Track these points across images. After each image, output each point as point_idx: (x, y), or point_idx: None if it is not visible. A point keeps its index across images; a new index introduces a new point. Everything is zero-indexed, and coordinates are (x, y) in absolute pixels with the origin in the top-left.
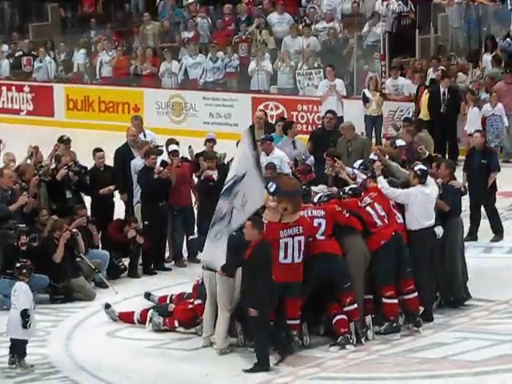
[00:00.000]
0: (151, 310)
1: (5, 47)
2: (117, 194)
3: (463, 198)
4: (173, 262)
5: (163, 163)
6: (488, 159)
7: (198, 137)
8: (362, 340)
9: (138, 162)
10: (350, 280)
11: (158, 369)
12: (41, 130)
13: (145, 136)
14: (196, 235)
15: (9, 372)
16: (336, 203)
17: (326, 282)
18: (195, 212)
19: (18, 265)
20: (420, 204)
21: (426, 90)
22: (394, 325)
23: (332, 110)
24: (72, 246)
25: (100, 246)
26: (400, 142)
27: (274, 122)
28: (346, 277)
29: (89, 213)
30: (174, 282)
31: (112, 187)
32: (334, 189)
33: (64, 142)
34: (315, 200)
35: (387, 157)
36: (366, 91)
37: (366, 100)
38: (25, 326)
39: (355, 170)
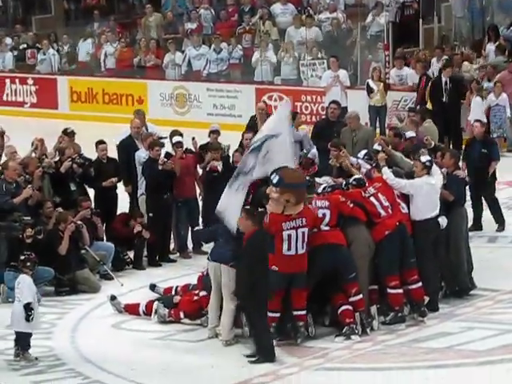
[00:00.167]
0: (156, 302)
1: (8, 40)
2: (120, 186)
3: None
4: (178, 254)
5: (167, 155)
6: (488, 149)
7: (201, 128)
8: (368, 330)
9: (142, 154)
10: (354, 270)
11: (164, 360)
12: (45, 123)
13: (147, 130)
14: (201, 226)
15: (14, 365)
16: (340, 194)
17: (330, 273)
18: (200, 203)
19: (22, 257)
20: (425, 195)
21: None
22: (399, 315)
23: (336, 101)
24: (77, 239)
25: (104, 238)
26: (410, 134)
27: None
28: (350, 267)
29: (92, 205)
30: (179, 274)
31: (115, 179)
32: (339, 179)
33: (68, 134)
34: (319, 191)
35: (390, 147)
36: (370, 81)
37: (369, 90)
38: (28, 319)
39: (359, 160)
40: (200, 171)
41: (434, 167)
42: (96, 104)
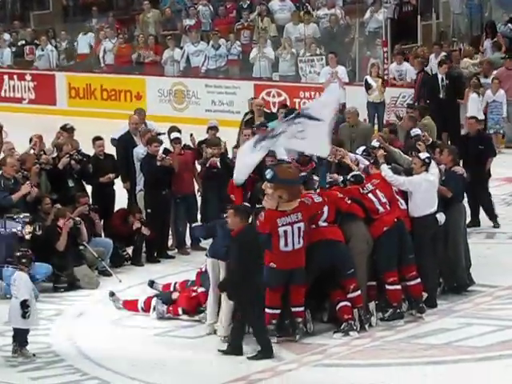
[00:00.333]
0: (155, 298)
1: (6, 36)
2: (118, 182)
3: None
4: (176, 250)
5: (166, 151)
6: (485, 145)
7: (200, 124)
8: (366, 326)
9: (140, 150)
10: (353, 266)
11: (162, 356)
12: (43, 119)
13: (146, 127)
14: (199, 223)
15: (12, 361)
16: (338, 190)
17: (328, 269)
18: (198, 200)
19: (18, 254)
20: (424, 191)
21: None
22: (398, 311)
23: None
24: (75, 235)
25: (102, 234)
26: (415, 131)
27: (276, 109)
28: (349, 263)
29: (90, 201)
30: (177, 270)
31: (112, 175)
32: (335, 176)
33: (67, 130)
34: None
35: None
36: (369, 78)
37: (368, 87)
38: (24, 316)
39: (358, 156)
40: (198, 167)
41: (432, 163)
42: (94, 100)
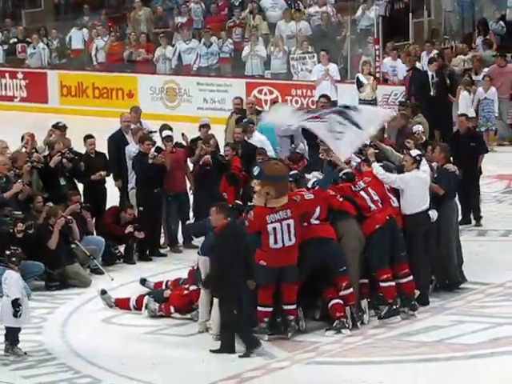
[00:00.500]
0: (147, 296)
1: None
2: (109, 180)
3: None
4: (168, 248)
5: (157, 149)
6: (476, 142)
7: (192, 122)
8: (358, 324)
9: (132, 148)
10: (345, 264)
11: (154, 354)
12: (35, 117)
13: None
14: (191, 220)
15: (4, 359)
16: (329, 188)
17: (321, 267)
18: (190, 198)
19: (7, 252)
20: (415, 188)
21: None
22: (394, 308)
23: (326, 95)
24: (67, 233)
25: (94, 232)
26: (417, 128)
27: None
28: (341, 261)
29: (82, 199)
30: (169, 268)
31: (103, 173)
32: None
33: (59, 128)
34: (309, 185)
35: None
36: (360, 75)
37: (360, 84)
38: (16, 315)
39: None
40: (191, 165)
41: (423, 160)
42: (86, 98)
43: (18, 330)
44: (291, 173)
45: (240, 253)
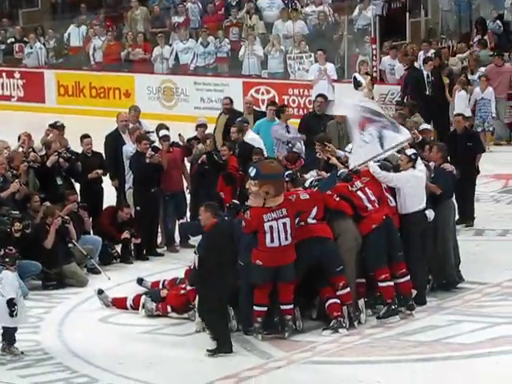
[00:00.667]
0: (144, 296)
1: None
2: (106, 180)
3: None
4: (165, 248)
5: (154, 148)
6: (473, 141)
7: (189, 122)
8: (355, 324)
9: (129, 148)
10: (342, 264)
11: (151, 354)
12: (32, 117)
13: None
14: (188, 219)
15: (1, 359)
16: None
17: (318, 266)
18: (187, 197)
19: (1, 253)
20: (412, 187)
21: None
22: (393, 308)
23: (323, 94)
24: (63, 232)
25: (91, 232)
26: (424, 126)
27: (264, 107)
28: (337, 260)
29: (79, 199)
30: (166, 268)
31: (100, 171)
32: (323, 173)
33: (57, 128)
34: (306, 185)
35: None
36: (357, 75)
37: (356, 84)
38: (11, 314)
39: (347, 154)
40: (188, 165)
41: (418, 160)
42: (83, 98)
43: (15, 329)
44: (287, 172)
45: (228, 252)
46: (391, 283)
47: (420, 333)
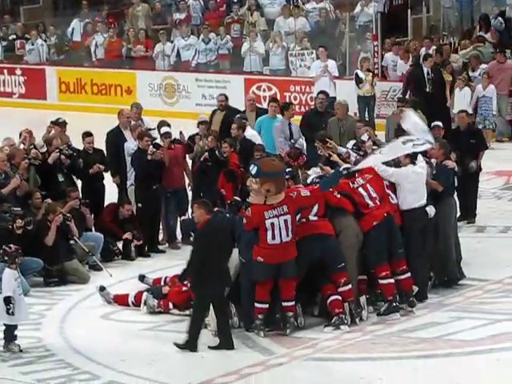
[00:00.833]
0: (146, 293)
1: None
2: (108, 177)
3: None
4: (167, 244)
5: (156, 145)
6: (476, 138)
7: (190, 119)
8: (357, 320)
9: (131, 145)
10: (343, 260)
11: (153, 351)
12: (33, 113)
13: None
14: (190, 216)
15: (3, 356)
16: None
17: (319, 263)
18: (189, 194)
19: (0, 251)
20: (412, 183)
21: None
22: (394, 305)
23: (324, 91)
24: (65, 229)
25: (93, 229)
26: (436, 123)
27: (266, 103)
28: (339, 257)
29: (80, 196)
30: (168, 264)
31: (101, 166)
32: (327, 168)
33: (59, 124)
34: (308, 181)
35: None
36: (359, 72)
37: (358, 80)
38: (8, 312)
39: (349, 150)
40: (189, 162)
41: (419, 156)
42: (85, 94)
43: (14, 327)
44: (288, 170)
45: (222, 249)
46: (392, 280)
47: (421, 329)
